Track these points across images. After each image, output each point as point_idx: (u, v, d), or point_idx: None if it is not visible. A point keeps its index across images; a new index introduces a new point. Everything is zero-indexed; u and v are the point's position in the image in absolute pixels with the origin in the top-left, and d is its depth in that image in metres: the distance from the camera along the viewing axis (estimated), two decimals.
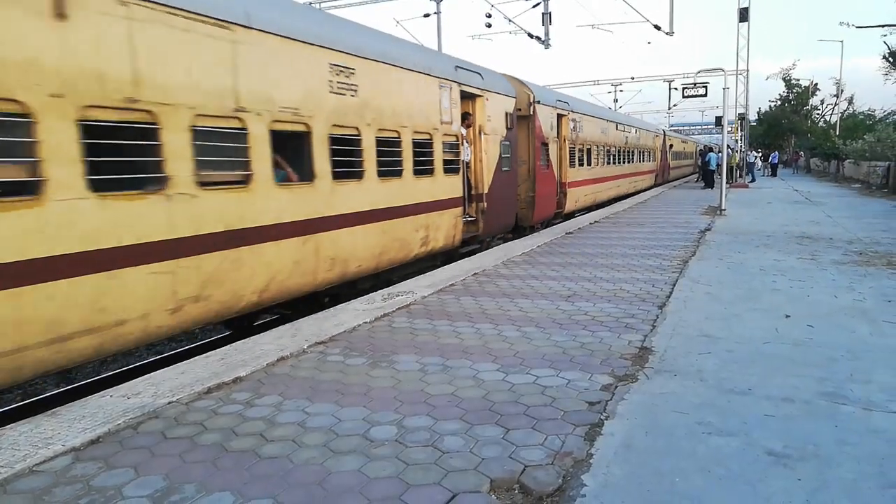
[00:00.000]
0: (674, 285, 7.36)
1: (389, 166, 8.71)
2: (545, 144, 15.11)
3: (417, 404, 3.95)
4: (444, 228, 10.40)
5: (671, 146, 40.39)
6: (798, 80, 55.17)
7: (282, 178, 6.91)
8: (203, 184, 5.79)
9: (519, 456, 3.21)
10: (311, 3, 22.92)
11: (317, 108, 7.25)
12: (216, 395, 4.19)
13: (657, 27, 24.45)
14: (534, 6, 22.92)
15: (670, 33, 24.49)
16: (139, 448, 3.42)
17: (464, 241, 11.24)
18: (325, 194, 7.45)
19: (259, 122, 6.43)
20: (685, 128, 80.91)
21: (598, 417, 3.68)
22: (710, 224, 13.97)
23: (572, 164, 17.37)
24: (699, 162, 36.70)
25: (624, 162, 25.00)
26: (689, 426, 3.55)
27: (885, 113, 49.21)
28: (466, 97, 11.25)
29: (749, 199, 21.54)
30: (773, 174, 41.16)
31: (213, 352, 5.21)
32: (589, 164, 19.35)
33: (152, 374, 4.70)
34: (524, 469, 3.07)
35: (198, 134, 5.72)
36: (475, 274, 8.49)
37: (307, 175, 7.20)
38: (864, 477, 2.95)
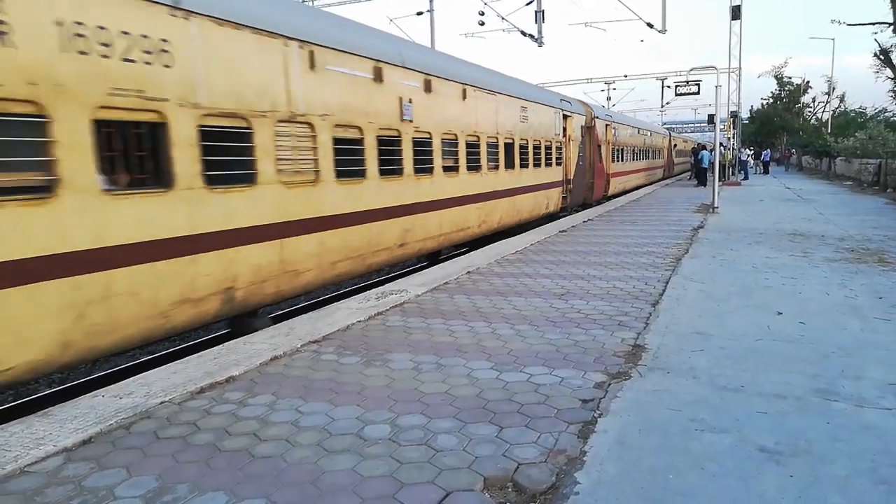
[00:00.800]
0: (667, 283, 7.38)
1: (537, 161, 15.58)
2: (599, 146, 21.64)
3: (411, 403, 3.95)
4: (554, 199, 17.34)
5: (675, 145, 48.46)
6: (790, 78, 55.51)
7: (509, 166, 13.91)
8: (447, 169, 10.83)
9: (512, 454, 3.21)
10: (304, 1, 22.84)
11: (517, 130, 14.20)
12: (209, 395, 4.18)
13: (650, 25, 24.51)
14: (527, 4, 22.92)
15: (663, 31, 24.56)
16: (131, 448, 3.40)
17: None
18: (515, 175, 14.02)
19: (486, 139, 12.41)
20: (678, 126, 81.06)
21: (592, 415, 3.68)
22: (702, 222, 14.02)
23: (613, 161, 24.03)
24: (692, 160, 36.84)
25: (645, 158, 32.62)
26: (683, 423, 3.56)
27: (877, 110, 49.53)
28: (564, 117, 18.21)
29: (741, 196, 21.62)
30: (766, 172, 41.33)
31: (205, 351, 5.19)
32: (623, 160, 26.32)
33: (144, 374, 4.68)
34: (518, 467, 3.07)
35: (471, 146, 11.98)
36: (469, 272, 8.49)
37: (510, 165, 13.81)
38: (855, 473, 2.97)
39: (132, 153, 5.49)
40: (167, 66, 5.45)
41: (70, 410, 3.94)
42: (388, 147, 8.97)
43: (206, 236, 5.83)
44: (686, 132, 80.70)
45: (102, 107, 4.92)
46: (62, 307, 4.65)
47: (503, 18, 24.11)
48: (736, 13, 30.40)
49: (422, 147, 9.83)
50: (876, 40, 29.61)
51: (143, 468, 3.18)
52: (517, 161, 13.98)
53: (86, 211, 4.80)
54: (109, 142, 5.19)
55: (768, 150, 46.36)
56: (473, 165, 11.72)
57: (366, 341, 5.35)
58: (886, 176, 24.08)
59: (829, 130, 45.57)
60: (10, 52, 4.31)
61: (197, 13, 5.72)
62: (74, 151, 4.72)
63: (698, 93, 28.68)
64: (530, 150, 14.89)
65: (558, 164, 17.28)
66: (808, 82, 55.37)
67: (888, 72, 31.87)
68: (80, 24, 4.73)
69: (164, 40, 5.42)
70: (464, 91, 11.20)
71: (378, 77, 8.58)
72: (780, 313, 5.90)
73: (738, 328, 5.45)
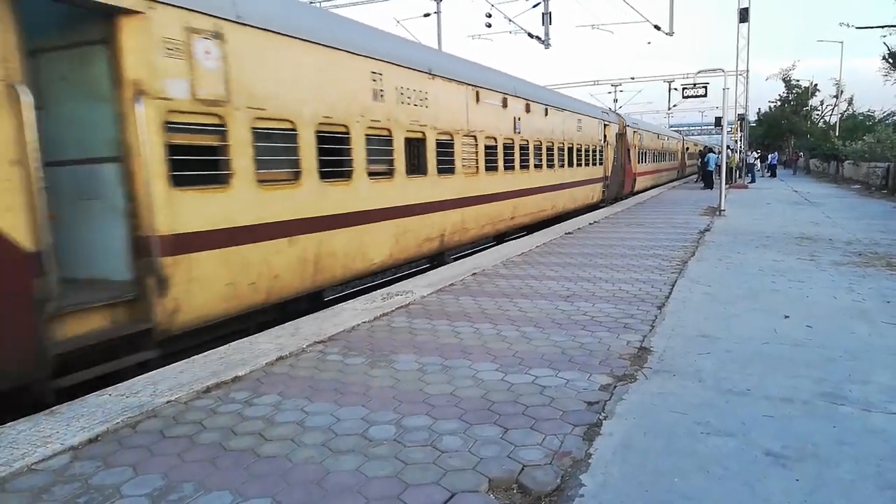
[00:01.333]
0: (673, 286, 7.36)
1: (587, 162, 19.93)
2: (627, 150, 25.67)
3: (416, 404, 3.95)
4: (597, 192, 21.55)
5: (687, 148, 52.61)
6: (798, 80, 55.26)
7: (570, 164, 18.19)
8: (536, 166, 15.44)
9: (517, 456, 3.21)
10: (311, 2, 22.92)
11: (575, 137, 18.37)
12: (215, 395, 4.20)
13: (657, 27, 24.45)
14: (534, 6, 22.92)
15: (670, 33, 24.49)
16: (138, 447, 3.42)
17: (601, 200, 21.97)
18: (573, 172, 18.38)
19: (557, 145, 16.83)
20: (685, 128, 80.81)
21: (597, 417, 3.68)
22: (709, 224, 13.97)
23: (638, 162, 27.95)
24: (699, 162, 36.78)
25: (662, 160, 36.16)
26: (688, 426, 3.55)
27: (885, 114, 49.25)
28: (604, 126, 22.49)
29: (748, 199, 21.54)
30: (773, 175, 41.16)
31: (211, 351, 5.22)
32: (645, 161, 30.27)
33: (151, 372, 4.70)
34: (523, 469, 3.07)
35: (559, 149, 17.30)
36: (474, 273, 8.49)
37: (570, 163, 18.08)
38: (862, 477, 2.96)
39: (413, 156, 9.69)
40: (426, 107, 9.84)
41: (77, 409, 3.97)
42: (509, 151, 13.52)
43: (435, 203, 10.28)
44: (693, 135, 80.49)
45: (408, 130, 9.30)
46: (389, 237, 8.89)
47: (510, 20, 24.10)
48: (744, 16, 30.28)
49: (524, 150, 14.50)
50: (885, 43, 29.52)
51: (150, 467, 3.20)
52: (575, 161, 18.74)
53: (407, 186, 9.36)
54: (409, 150, 9.41)
55: (776, 154, 46.11)
56: (550, 164, 16.47)
57: (371, 342, 5.36)
58: (895, 180, 23.94)
59: (837, 134, 45.35)
60: (380, 104, 8.57)
61: (437, 75, 10.17)
62: (399, 155, 9.08)
63: (706, 95, 28.62)
64: (583, 153, 19.63)
65: (600, 164, 21.90)
66: (815, 85, 55.16)
67: None
68: (403, 87, 9.13)
69: (425, 92, 9.80)
70: (546, 110, 16.08)
71: (504, 104, 13.24)
72: (786, 317, 5.88)
73: (744, 331, 5.43)
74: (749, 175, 32.97)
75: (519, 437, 3.42)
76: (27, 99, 4.28)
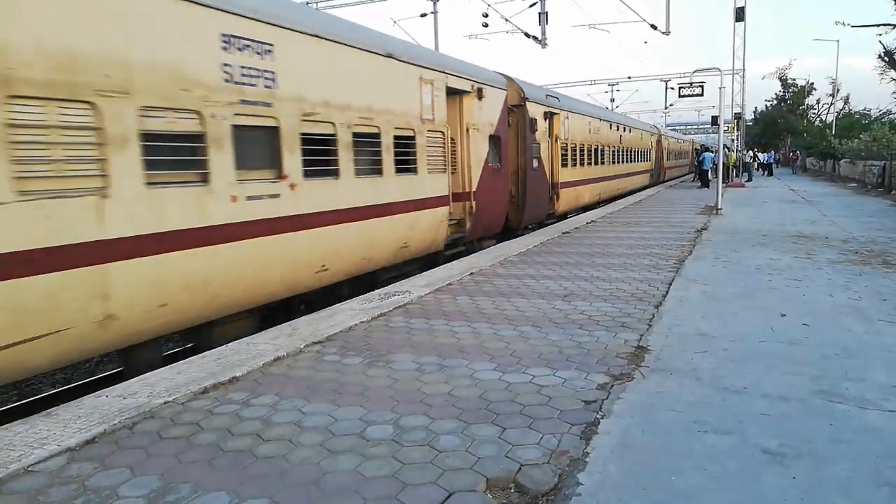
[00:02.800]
0: (670, 284, 7.37)
1: (637, 158, 28.40)
2: (660, 151, 32.63)
3: (414, 403, 3.95)
4: (646, 180, 31.44)
5: (697, 149, 49.49)
6: (794, 79, 55.39)
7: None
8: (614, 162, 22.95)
9: (515, 455, 3.21)
10: (307, 3, 22.90)
11: (625, 141, 26.17)
12: (212, 395, 4.19)
13: (654, 27, 24.45)
14: (530, 6, 22.89)
15: (667, 33, 24.49)
16: (135, 448, 3.41)
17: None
18: (626, 167, 26.06)
19: (602, 145, 21.44)
20: (681, 127, 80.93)
21: (594, 416, 3.68)
22: (706, 223, 13.99)
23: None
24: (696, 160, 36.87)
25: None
26: (685, 424, 3.56)
27: (881, 112, 49.39)
28: (656, 139, 33.46)
29: (745, 198, 21.58)
30: (770, 174, 41.23)
31: (208, 352, 5.21)
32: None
33: (148, 374, 4.69)
34: (520, 468, 3.07)
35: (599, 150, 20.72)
36: (472, 273, 8.49)
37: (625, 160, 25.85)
38: (858, 475, 2.96)
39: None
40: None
41: (74, 410, 3.96)
42: (601, 152, 19.54)
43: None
44: (691, 133, 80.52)
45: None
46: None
47: (507, 20, 24.09)
48: (740, 15, 30.36)
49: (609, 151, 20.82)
50: (880, 42, 29.58)
51: (147, 468, 3.19)
52: (626, 158, 24.97)
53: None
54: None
55: (772, 153, 46.15)
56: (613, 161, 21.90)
57: (368, 342, 5.36)
58: (891, 178, 24.01)
59: (833, 132, 45.46)
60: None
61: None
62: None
63: (702, 94, 28.64)
64: (630, 152, 26.12)
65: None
66: (812, 84, 55.33)
67: (893, 73, 31.80)
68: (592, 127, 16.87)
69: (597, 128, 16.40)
70: (610, 125, 22.64)
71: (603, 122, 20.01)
72: (783, 315, 5.89)
73: (741, 330, 5.44)
74: (746, 174, 33.05)
75: (516, 437, 3.42)
76: None
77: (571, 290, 7.18)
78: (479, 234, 12.34)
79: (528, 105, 14.42)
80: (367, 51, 8.28)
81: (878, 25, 28.20)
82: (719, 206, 16.91)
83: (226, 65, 5.99)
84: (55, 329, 4.63)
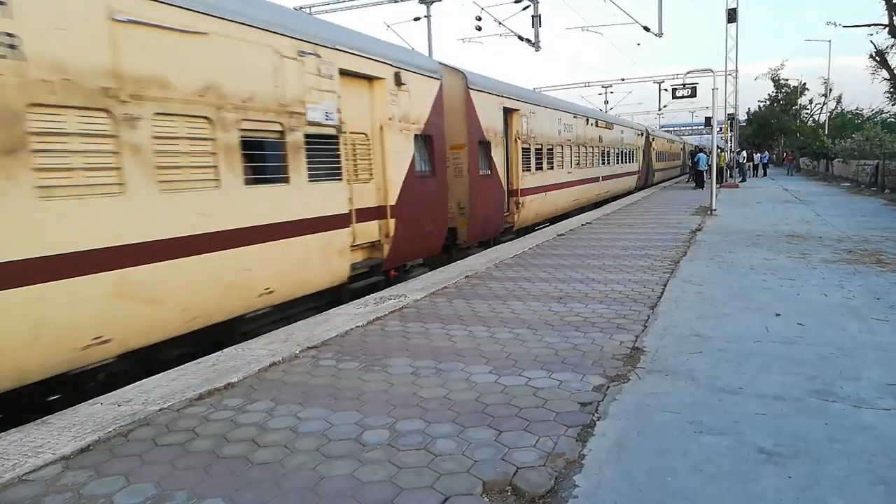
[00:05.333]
0: (665, 285, 7.39)
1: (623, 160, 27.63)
2: (647, 150, 33.48)
3: (410, 408, 3.95)
4: (634, 182, 30.50)
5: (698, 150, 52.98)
6: (787, 80, 55.66)
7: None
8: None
9: (511, 458, 3.21)
10: (302, 7, 22.90)
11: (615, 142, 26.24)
12: (208, 402, 4.18)
13: (646, 29, 24.56)
14: (524, 8, 22.98)
15: (659, 35, 24.60)
16: (130, 455, 3.40)
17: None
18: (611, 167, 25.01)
19: (577, 145, 19.43)
20: (675, 128, 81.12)
21: (591, 418, 3.68)
22: (700, 224, 14.03)
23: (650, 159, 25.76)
24: (690, 162, 37.00)
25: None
26: (681, 425, 3.56)
27: (873, 111, 49.63)
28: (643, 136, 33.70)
29: (739, 198, 21.65)
30: (764, 174, 41.37)
31: (204, 358, 5.19)
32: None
33: (143, 381, 4.67)
34: (517, 471, 3.07)
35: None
36: (467, 276, 8.49)
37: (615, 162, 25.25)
38: (854, 474, 2.97)
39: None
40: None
41: (68, 418, 3.94)
42: (577, 154, 18.68)
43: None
44: (685, 135, 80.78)
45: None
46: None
47: (500, 23, 24.15)
48: (732, 16, 30.51)
49: (587, 152, 20.31)
50: (871, 42, 29.76)
51: (142, 475, 3.18)
52: (608, 160, 24.43)
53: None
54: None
55: (766, 153, 46.27)
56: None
57: (364, 347, 5.35)
58: (884, 177, 24.11)
59: (826, 132, 45.65)
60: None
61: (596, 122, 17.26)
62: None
63: (694, 95, 28.76)
64: (613, 153, 25.43)
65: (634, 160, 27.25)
66: (804, 84, 55.59)
67: (884, 72, 31.98)
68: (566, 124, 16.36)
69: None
70: (588, 121, 21.04)
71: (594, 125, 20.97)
72: (778, 315, 5.91)
73: (736, 330, 5.46)
74: (740, 174, 33.17)
75: (513, 439, 3.42)
76: None
77: (567, 292, 7.19)
78: (404, 258, 9.48)
79: (476, 98, 11.96)
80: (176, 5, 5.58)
81: (870, 25, 28.41)
82: (714, 207, 16.96)
83: None
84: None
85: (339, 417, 3.83)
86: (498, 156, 13.01)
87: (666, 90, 45.11)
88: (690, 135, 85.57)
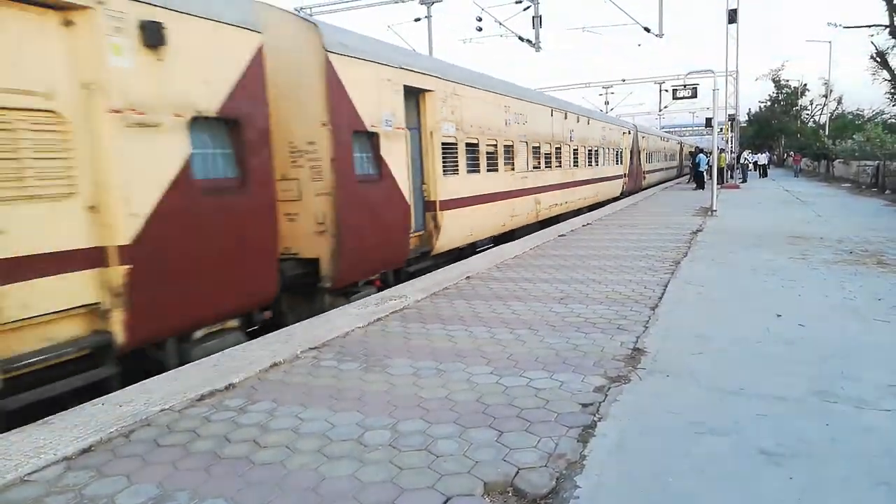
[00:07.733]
0: (666, 286, 7.38)
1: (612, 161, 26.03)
2: (638, 152, 32.60)
3: (411, 408, 3.95)
4: (620, 186, 27.17)
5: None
6: (787, 81, 55.70)
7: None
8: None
9: (512, 458, 3.21)
10: (302, 8, 22.92)
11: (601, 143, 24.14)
12: (209, 402, 4.18)
13: (647, 29, 24.56)
14: (525, 9, 22.99)
15: (660, 35, 24.60)
16: (132, 456, 3.40)
17: None
18: (595, 170, 23.04)
19: (534, 141, 15.63)
20: (676, 129, 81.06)
21: (592, 419, 3.68)
22: (701, 225, 14.03)
23: (644, 162, 28.43)
24: (690, 163, 36.98)
25: (664, 160, 38.86)
26: (682, 426, 3.56)
27: (874, 112, 49.61)
28: (623, 134, 31.06)
29: (740, 199, 21.65)
30: (764, 175, 41.35)
31: (205, 359, 5.19)
32: (650, 162, 37.14)
33: (144, 381, 4.68)
34: (518, 471, 3.07)
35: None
36: (468, 277, 8.49)
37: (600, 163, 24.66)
38: (855, 474, 2.97)
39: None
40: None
41: (70, 419, 3.94)
42: (535, 152, 15.58)
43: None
44: (685, 135, 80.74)
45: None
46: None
47: (501, 24, 24.17)
48: (732, 17, 30.47)
49: (551, 150, 17.20)
50: (872, 43, 29.75)
51: (144, 476, 3.18)
52: (582, 161, 20.66)
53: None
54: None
55: (767, 154, 46.22)
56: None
57: (365, 347, 5.35)
58: (884, 178, 24.12)
59: (826, 133, 45.63)
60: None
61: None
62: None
63: (695, 96, 28.75)
64: (588, 152, 22.15)
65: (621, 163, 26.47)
66: (805, 85, 55.62)
67: (885, 73, 31.99)
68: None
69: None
70: (552, 112, 17.42)
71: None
72: (779, 316, 5.91)
73: (737, 331, 5.46)
74: (741, 175, 33.16)
75: (514, 440, 3.42)
76: None
77: (567, 293, 7.19)
78: (168, 330, 5.46)
79: (348, 68, 7.75)
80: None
81: (870, 26, 28.42)
82: (714, 208, 16.96)
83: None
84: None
85: (340, 418, 3.83)
86: (395, 153, 8.95)
87: (667, 91, 45.04)
88: (691, 135, 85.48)
